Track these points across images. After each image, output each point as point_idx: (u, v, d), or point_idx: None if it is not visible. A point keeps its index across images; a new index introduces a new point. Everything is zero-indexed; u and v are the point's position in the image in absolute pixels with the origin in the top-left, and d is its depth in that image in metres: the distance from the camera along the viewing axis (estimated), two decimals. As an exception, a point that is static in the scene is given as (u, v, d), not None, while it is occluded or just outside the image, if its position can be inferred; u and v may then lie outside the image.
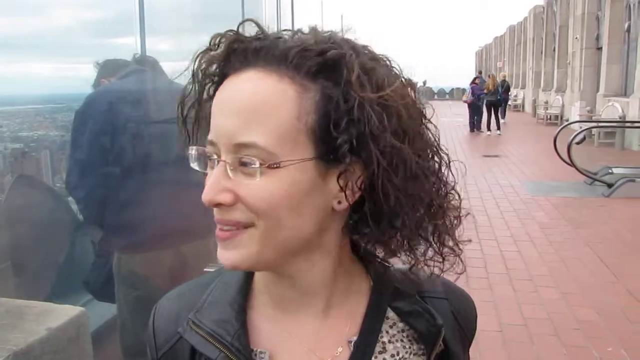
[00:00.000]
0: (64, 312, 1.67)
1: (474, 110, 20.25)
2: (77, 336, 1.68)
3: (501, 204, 8.49)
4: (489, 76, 22.19)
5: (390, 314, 0.78)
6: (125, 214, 2.55)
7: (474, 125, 20.29)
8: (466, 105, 20.74)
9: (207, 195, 0.64)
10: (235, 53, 0.67)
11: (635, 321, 4.37)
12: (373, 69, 0.66)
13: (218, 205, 0.65)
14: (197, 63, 0.70)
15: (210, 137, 0.66)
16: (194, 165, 0.70)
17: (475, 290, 4.97)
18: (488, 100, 19.93)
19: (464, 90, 21.26)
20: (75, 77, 4.47)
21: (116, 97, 2.59)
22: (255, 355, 0.73)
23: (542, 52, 28.90)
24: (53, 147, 5.15)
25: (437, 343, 0.78)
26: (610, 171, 9.89)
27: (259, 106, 0.63)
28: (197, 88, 0.71)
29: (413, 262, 0.75)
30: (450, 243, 0.76)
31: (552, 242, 6.50)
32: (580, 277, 5.36)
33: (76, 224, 3.36)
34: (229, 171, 0.64)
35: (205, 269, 1.67)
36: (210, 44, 0.69)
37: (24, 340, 1.49)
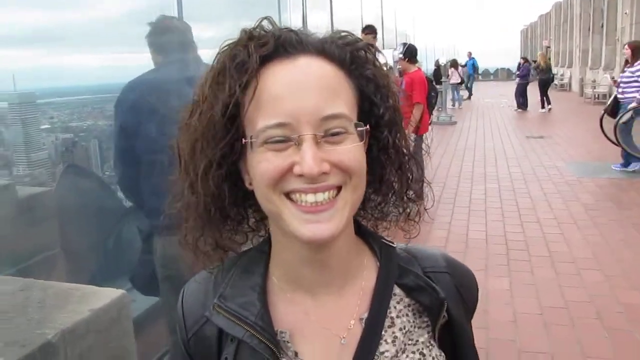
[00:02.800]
0: (106, 295, 1.79)
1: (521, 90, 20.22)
2: (118, 317, 1.79)
3: (545, 186, 8.36)
4: (539, 54, 21.86)
5: (397, 290, 0.85)
6: (153, 198, 2.66)
7: (521, 103, 20.32)
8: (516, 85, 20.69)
9: (312, 168, 0.70)
10: (286, 42, 0.75)
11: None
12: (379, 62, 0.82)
13: (320, 175, 0.71)
14: (239, 52, 0.75)
15: (280, 119, 0.71)
16: (271, 148, 0.73)
17: (516, 273, 4.97)
18: (541, 79, 19.78)
19: (509, 70, 21.10)
20: (121, 67, 4.61)
21: (144, 89, 2.68)
22: (277, 334, 0.79)
23: (589, 29, 27.98)
24: (102, 136, 5.33)
25: (441, 315, 0.85)
26: (659, 151, 9.60)
27: (334, 84, 0.75)
28: (232, 75, 0.74)
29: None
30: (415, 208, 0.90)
31: (596, 224, 6.40)
32: (625, 260, 5.27)
33: (123, 210, 3.50)
34: (317, 143, 0.71)
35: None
36: (244, 38, 0.76)
37: (70, 320, 1.61)
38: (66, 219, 3.83)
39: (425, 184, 0.92)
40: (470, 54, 30.21)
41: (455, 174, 9.48)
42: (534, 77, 20.55)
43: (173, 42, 2.97)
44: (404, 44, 7.04)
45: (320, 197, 0.73)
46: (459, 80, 23.14)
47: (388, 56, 6.42)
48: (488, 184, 8.68)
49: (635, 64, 8.88)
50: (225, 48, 0.77)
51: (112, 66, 5.05)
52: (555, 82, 24.01)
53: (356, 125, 0.75)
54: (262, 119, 0.72)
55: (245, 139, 0.75)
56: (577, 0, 31.41)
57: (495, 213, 6.98)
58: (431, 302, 0.85)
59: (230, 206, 0.82)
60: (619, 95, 9.10)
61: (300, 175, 0.71)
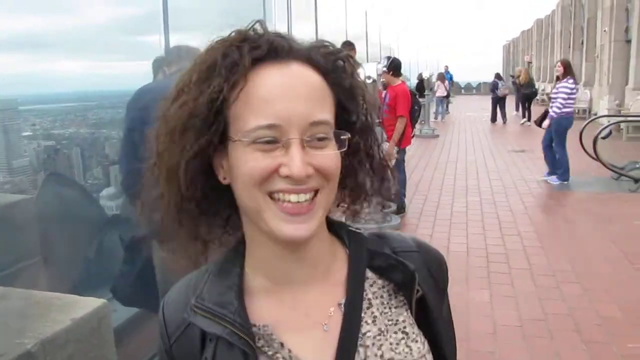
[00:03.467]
0: (87, 304, 1.79)
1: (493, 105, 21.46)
2: (99, 326, 1.79)
3: (525, 199, 8.45)
4: (518, 69, 22.44)
5: (369, 273, 0.89)
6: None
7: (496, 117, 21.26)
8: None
9: (301, 171, 0.74)
10: (278, 47, 0.78)
11: (658, 317, 4.36)
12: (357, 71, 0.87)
13: (305, 177, 0.75)
14: (232, 52, 0.77)
15: (271, 121, 0.74)
16: (258, 148, 0.75)
17: (497, 285, 5.01)
18: (524, 93, 20.31)
19: (494, 83, 21.81)
20: (105, 75, 4.59)
21: (152, 97, 2.74)
22: (259, 328, 0.81)
23: (569, 46, 28.44)
24: (84, 144, 5.29)
25: (414, 288, 0.89)
26: (637, 166, 9.73)
27: (321, 91, 0.79)
28: (221, 73, 0.76)
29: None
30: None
31: (576, 238, 6.49)
32: (604, 273, 5.34)
33: (105, 219, 3.48)
34: (303, 147, 0.75)
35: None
36: (238, 39, 0.78)
37: (51, 329, 1.60)
38: (47, 228, 3.79)
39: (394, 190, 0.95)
40: (447, 67, 30.45)
41: (437, 187, 9.55)
42: (511, 91, 21.34)
43: (182, 57, 3.03)
44: (388, 58, 7.12)
45: (302, 197, 0.76)
46: (445, 94, 23.37)
47: (372, 69, 6.47)
48: (469, 197, 8.75)
49: (563, 80, 9.45)
50: (218, 45, 0.79)
51: (96, 74, 5.03)
52: (538, 97, 24.34)
53: (337, 134, 0.79)
54: (253, 118, 0.74)
55: (229, 135, 0.77)
56: (558, 17, 31.95)
57: (476, 226, 7.03)
58: (403, 277, 0.88)
59: (204, 199, 0.83)
60: (556, 110, 9.48)
61: (287, 177, 0.75)
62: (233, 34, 0.80)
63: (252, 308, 0.83)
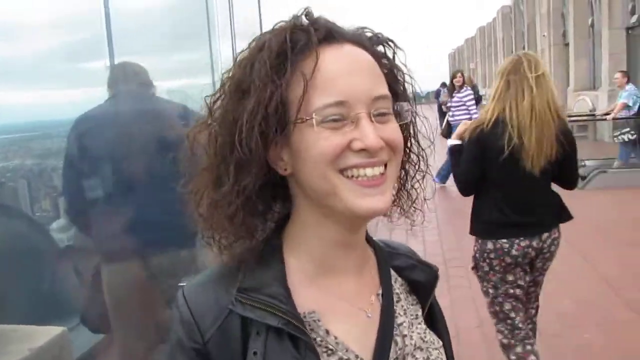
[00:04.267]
0: (46, 333, 1.75)
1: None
2: (59, 355, 1.76)
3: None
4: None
5: (391, 271, 0.93)
6: (98, 229, 2.72)
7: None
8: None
9: (375, 142, 0.75)
10: (333, 30, 0.80)
11: (610, 307, 4.51)
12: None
13: (379, 149, 0.76)
14: (299, 36, 0.77)
15: (338, 98, 0.75)
16: (327, 126, 0.75)
17: (457, 288, 5.09)
18: None
19: (437, 91, 22.48)
20: (48, 104, 4.50)
21: (89, 125, 2.75)
22: (305, 316, 0.81)
23: (512, 51, 29.27)
24: (30, 176, 5.16)
25: (434, 289, 0.95)
26: (583, 164, 10.09)
27: (377, 68, 0.81)
28: (293, 58, 0.76)
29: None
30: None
31: (529, 237, 6.64)
32: (556, 269, 5.44)
33: (57, 251, 3.41)
34: (372, 120, 0.76)
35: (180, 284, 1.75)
36: (299, 23, 0.80)
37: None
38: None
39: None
40: None
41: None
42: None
43: (120, 77, 3.01)
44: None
45: (377, 170, 0.77)
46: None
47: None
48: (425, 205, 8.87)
49: (462, 90, 10.21)
50: (277, 31, 0.79)
51: (38, 103, 4.93)
52: (484, 101, 25.08)
53: (401, 106, 0.83)
54: (319, 97, 0.75)
55: (291, 119, 0.76)
56: (499, 24, 32.94)
57: (433, 233, 7.13)
58: (426, 277, 0.94)
59: (258, 196, 0.82)
60: (450, 119, 10.07)
61: (360, 151, 0.75)
62: (287, 22, 0.80)
63: (298, 296, 0.82)
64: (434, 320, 0.97)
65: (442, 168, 9.71)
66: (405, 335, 0.87)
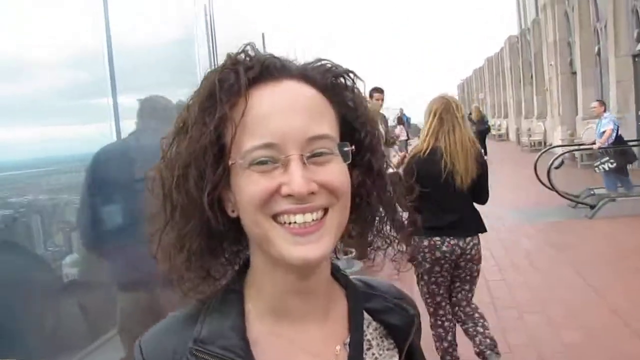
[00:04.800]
0: None
1: None
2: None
3: (486, 234, 8.55)
4: (473, 107, 23.19)
5: (365, 314, 0.87)
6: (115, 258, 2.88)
7: None
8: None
9: (302, 187, 0.70)
10: (271, 66, 0.76)
11: (619, 339, 4.46)
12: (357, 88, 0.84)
13: (309, 195, 0.71)
14: (227, 75, 0.75)
15: (266, 140, 0.71)
16: (256, 169, 0.72)
17: (462, 321, 5.05)
18: (478, 130, 20.83)
19: None
20: (59, 140, 4.60)
21: (106, 158, 2.94)
22: None
23: (520, 81, 29.44)
24: (43, 211, 5.23)
25: (411, 332, 0.89)
26: (592, 193, 10.06)
27: (319, 106, 0.76)
28: (221, 98, 0.73)
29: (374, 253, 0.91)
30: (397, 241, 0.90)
31: (536, 268, 6.62)
32: (565, 300, 5.45)
33: (61, 286, 3.47)
34: (304, 163, 0.72)
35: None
36: (231, 62, 0.76)
37: None
38: None
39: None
40: (401, 110, 30.27)
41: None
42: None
43: (148, 111, 3.13)
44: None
45: (309, 217, 0.73)
46: (406, 137, 23.53)
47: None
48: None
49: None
50: (210, 73, 0.77)
51: (49, 139, 5.04)
52: (493, 132, 25.06)
53: (340, 146, 0.76)
54: (248, 140, 0.72)
55: (231, 161, 0.74)
56: (506, 53, 33.10)
57: (441, 263, 7.09)
58: (402, 320, 0.88)
59: (214, 236, 0.79)
60: None
61: (288, 196, 0.71)
62: (226, 59, 0.78)
63: (258, 349, 0.78)
64: None
65: None
66: None
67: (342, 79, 0.81)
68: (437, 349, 3.82)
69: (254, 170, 0.72)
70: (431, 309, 3.77)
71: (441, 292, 3.74)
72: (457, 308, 3.84)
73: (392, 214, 0.88)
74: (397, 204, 0.89)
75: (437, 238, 3.59)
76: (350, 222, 0.83)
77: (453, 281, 3.79)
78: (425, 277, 3.72)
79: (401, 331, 0.89)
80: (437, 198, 3.41)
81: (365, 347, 0.84)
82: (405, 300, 0.93)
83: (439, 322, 3.78)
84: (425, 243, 3.62)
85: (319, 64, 0.81)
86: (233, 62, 0.76)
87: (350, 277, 0.92)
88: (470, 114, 22.45)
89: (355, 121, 0.81)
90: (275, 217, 0.73)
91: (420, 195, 3.01)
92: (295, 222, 0.72)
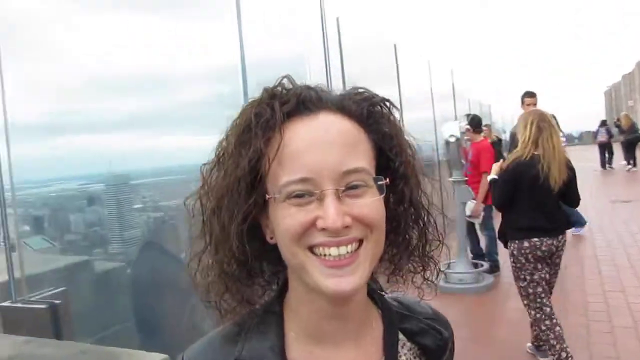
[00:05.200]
0: (149, 358, 2.00)
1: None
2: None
3: (631, 253, 8.00)
4: (622, 115, 22.22)
5: (400, 335, 0.89)
6: None
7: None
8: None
9: (336, 222, 0.72)
10: (306, 99, 0.78)
11: None
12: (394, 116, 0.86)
13: (343, 229, 0.73)
14: (263, 110, 0.77)
15: (302, 175, 0.74)
16: (293, 203, 0.74)
17: (597, 345, 4.78)
18: (627, 139, 19.82)
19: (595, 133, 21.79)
20: (204, 147, 4.99)
21: None
22: None
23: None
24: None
25: (444, 355, 0.91)
26: None
27: (353, 139, 0.77)
28: (257, 133, 0.76)
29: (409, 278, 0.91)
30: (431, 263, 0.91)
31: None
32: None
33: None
34: (339, 197, 0.74)
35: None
36: (267, 96, 0.79)
37: None
38: (141, 293, 4.11)
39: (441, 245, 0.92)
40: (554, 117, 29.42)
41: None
42: (616, 138, 21.31)
43: None
44: (468, 115, 7.16)
45: (343, 250, 0.74)
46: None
47: (455, 128, 6.54)
48: (569, 251, 8.38)
49: None
50: (248, 106, 0.80)
51: (195, 147, 5.47)
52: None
53: (375, 180, 0.77)
54: (284, 174, 0.74)
55: (268, 194, 0.76)
56: (661, 58, 30.41)
57: (577, 282, 6.73)
58: (435, 343, 0.90)
59: (251, 260, 0.82)
60: None
61: (324, 229, 0.73)
62: (263, 93, 0.80)
63: None
64: None
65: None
66: None
67: (378, 108, 0.83)
68: (544, 341, 4.08)
69: (290, 203, 0.75)
70: (537, 305, 4.04)
71: (544, 286, 4.05)
72: None
73: (423, 242, 0.88)
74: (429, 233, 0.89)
75: (536, 239, 3.97)
76: (388, 246, 0.85)
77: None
78: (528, 278, 4.03)
79: (435, 353, 0.90)
80: (533, 200, 3.96)
81: None
82: (439, 322, 0.94)
83: (545, 316, 4.02)
84: (526, 244, 3.99)
85: (355, 93, 0.83)
86: (270, 95, 0.79)
87: (387, 296, 0.93)
88: (618, 120, 21.31)
89: (391, 150, 0.83)
90: (311, 248, 0.76)
91: (515, 198, 3.76)
92: (330, 255, 0.75)
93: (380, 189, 0.77)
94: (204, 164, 0.83)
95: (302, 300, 0.83)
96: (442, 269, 6.76)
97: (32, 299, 3.83)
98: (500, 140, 9.67)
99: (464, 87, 13.66)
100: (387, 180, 0.78)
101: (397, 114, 0.85)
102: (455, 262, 6.68)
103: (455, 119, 8.88)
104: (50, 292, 3.90)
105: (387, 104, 0.84)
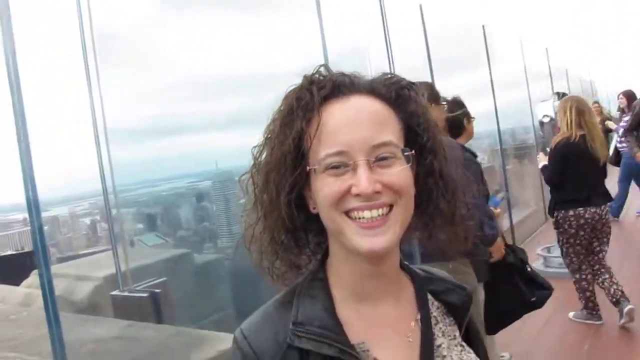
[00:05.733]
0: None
1: None
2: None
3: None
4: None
5: (428, 295, 1.00)
6: None
7: None
8: None
9: (367, 188, 0.83)
10: (341, 84, 0.90)
11: None
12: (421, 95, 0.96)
13: (374, 194, 0.84)
14: (303, 94, 0.89)
15: (338, 148, 0.85)
16: (330, 173, 0.85)
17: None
18: None
19: None
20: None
21: None
22: (356, 346, 0.88)
23: None
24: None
25: (469, 309, 1.01)
26: None
27: (382, 117, 0.89)
28: (298, 114, 0.88)
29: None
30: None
31: None
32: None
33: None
34: (370, 167, 0.85)
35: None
36: (307, 82, 0.91)
37: (200, 357, 2.00)
38: (238, 284, 4.35)
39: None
40: None
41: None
42: None
43: None
44: (558, 94, 6.83)
45: (375, 213, 0.85)
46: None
47: (548, 108, 6.28)
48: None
49: (629, 112, 7.70)
50: (290, 92, 0.92)
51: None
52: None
53: (403, 151, 0.87)
54: (323, 149, 0.86)
55: (309, 166, 0.88)
56: None
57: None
58: (460, 299, 1.00)
59: (297, 230, 0.94)
60: (617, 145, 7.93)
61: (357, 195, 0.84)
62: (303, 80, 0.92)
63: (346, 327, 0.89)
64: (471, 339, 1.02)
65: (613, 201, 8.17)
66: (445, 356, 0.93)
67: (405, 90, 0.93)
68: (580, 298, 4.73)
69: (328, 174, 0.86)
70: (575, 267, 4.66)
71: (583, 251, 4.63)
72: (596, 266, 4.66)
73: (453, 209, 0.96)
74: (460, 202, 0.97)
75: (581, 209, 4.51)
76: (416, 217, 0.94)
77: (591, 242, 4.65)
78: (571, 240, 4.62)
79: (460, 309, 1.00)
80: (580, 174, 4.50)
81: (432, 322, 0.96)
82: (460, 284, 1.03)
83: (583, 277, 4.64)
84: (571, 213, 4.55)
85: (384, 78, 0.94)
86: (309, 82, 0.92)
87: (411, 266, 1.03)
88: None
89: (418, 127, 0.93)
90: (347, 213, 0.86)
91: (563, 173, 4.29)
92: (363, 217, 0.85)
93: (407, 159, 0.87)
94: (254, 147, 0.95)
95: (343, 263, 0.93)
96: (540, 253, 6.71)
97: (136, 288, 4.21)
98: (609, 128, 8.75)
99: (562, 63, 12.86)
100: (414, 152, 0.89)
101: (420, 97, 0.95)
102: (554, 246, 6.43)
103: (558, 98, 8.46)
104: (152, 282, 4.27)
105: (413, 87, 0.94)
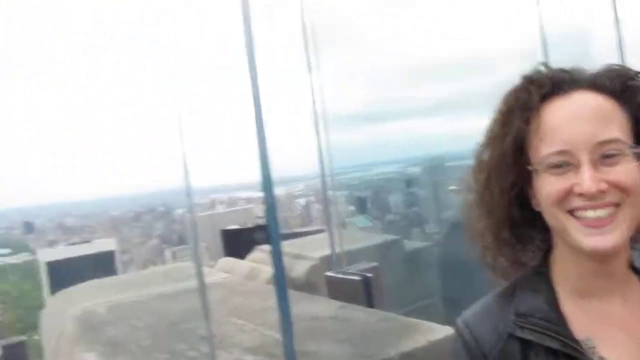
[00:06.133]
0: (442, 331, 2.17)
1: None
2: (447, 350, 2.16)
3: None
4: None
5: None
6: None
7: None
8: None
9: (590, 187, 0.81)
10: (560, 81, 0.90)
11: None
12: None
13: (599, 193, 0.82)
14: (522, 94, 0.90)
15: (559, 147, 0.84)
16: (551, 172, 0.85)
17: None
18: None
19: None
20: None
21: None
22: (582, 342, 0.86)
23: None
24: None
25: None
26: None
27: (606, 112, 0.86)
28: (517, 114, 0.89)
29: None
30: None
31: None
32: None
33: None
34: (595, 165, 0.83)
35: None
36: (525, 82, 0.92)
37: (410, 345, 2.03)
38: (448, 272, 4.34)
39: None
40: None
41: None
42: None
43: None
44: None
45: (600, 212, 0.83)
46: None
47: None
48: None
49: None
50: (510, 93, 0.93)
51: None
52: None
53: (631, 147, 0.84)
54: (544, 148, 0.86)
55: (530, 166, 0.88)
56: None
57: None
58: None
59: (520, 227, 0.95)
60: None
61: (581, 195, 0.82)
62: (521, 80, 0.93)
63: (569, 321, 0.89)
64: None
65: None
66: None
67: (632, 82, 0.89)
68: None
69: (550, 173, 0.86)
70: None
71: None
72: None
73: None
74: None
75: None
76: None
77: None
78: None
79: None
80: None
81: None
82: None
83: None
84: None
85: (608, 70, 0.91)
86: (527, 82, 0.92)
87: None
88: None
89: None
90: (571, 212, 0.85)
91: None
92: (587, 217, 0.83)
93: (636, 156, 0.84)
94: (476, 145, 0.97)
95: (567, 259, 0.92)
96: None
97: (349, 270, 4.42)
98: None
99: None
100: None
101: None
102: None
103: None
104: (363, 267, 4.44)
105: None
